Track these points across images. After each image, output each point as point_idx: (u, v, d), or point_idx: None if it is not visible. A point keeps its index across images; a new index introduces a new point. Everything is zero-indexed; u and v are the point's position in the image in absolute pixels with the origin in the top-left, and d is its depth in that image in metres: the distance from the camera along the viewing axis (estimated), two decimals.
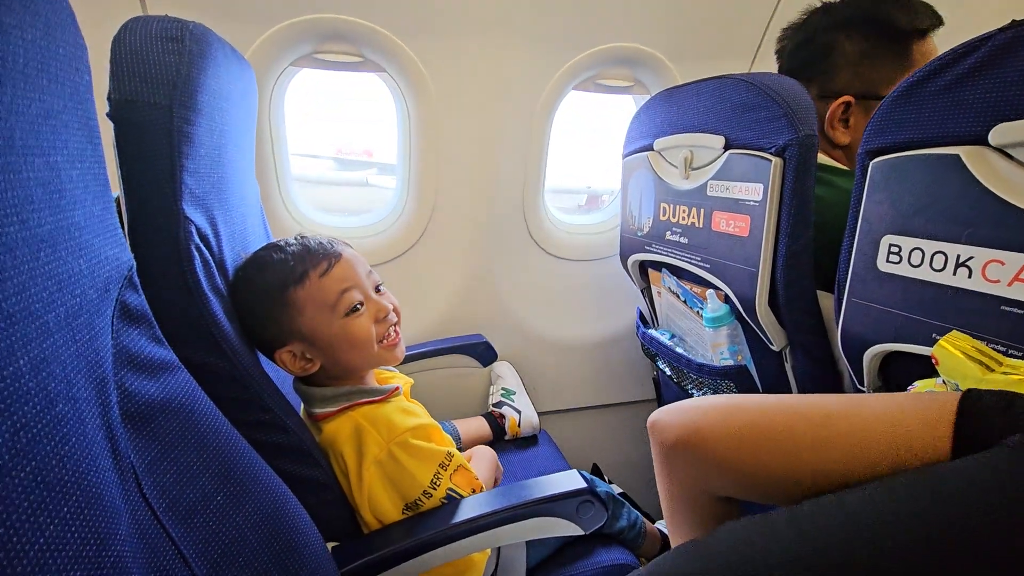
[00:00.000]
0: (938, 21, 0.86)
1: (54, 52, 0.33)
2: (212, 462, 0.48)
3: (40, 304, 0.31)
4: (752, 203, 0.82)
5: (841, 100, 0.87)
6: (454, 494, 0.74)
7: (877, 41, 0.86)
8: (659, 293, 1.18)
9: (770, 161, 0.77)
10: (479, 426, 1.19)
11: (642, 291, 1.25)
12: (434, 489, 0.72)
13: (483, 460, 0.92)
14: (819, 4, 0.93)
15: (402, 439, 0.71)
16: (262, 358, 0.72)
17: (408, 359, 1.22)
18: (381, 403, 0.75)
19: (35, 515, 0.27)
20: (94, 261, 0.38)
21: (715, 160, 0.90)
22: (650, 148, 1.07)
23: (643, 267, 1.20)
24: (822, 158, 0.88)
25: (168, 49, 0.54)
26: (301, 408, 0.79)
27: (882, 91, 0.85)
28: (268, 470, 0.54)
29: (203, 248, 0.60)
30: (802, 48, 0.93)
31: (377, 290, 0.77)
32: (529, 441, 1.20)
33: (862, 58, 0.87)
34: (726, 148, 0.87)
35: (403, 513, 0.72)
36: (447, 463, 0.74)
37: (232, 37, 0.96)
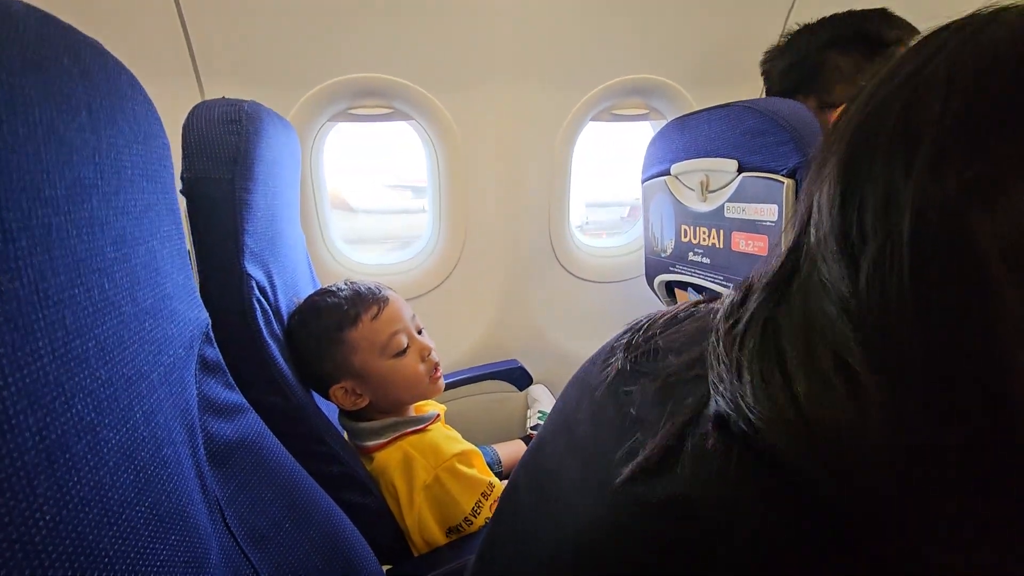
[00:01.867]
0: (916, 33, 0.88)
1: (150, 156, 0.41)
2: (280, 492, 0.54)
3: (148, 365, 0.37)
4: (768, 223, 0.84)
5: (843, 108, 0.90)
6: None
7: (867, 54, 0.90)
8: (667, 312, 1.20)
9: (782, 183, 0.80)
10: (517, 449, 1.23)
11: None
12: (475, 516, 0.76)
13: None
14: (798, 27, 0.97)
15: (449, 464, 0.77)
16: (316, 396, 0.79)
17: (446, 387, 1.28)
18: (424, 431, 0.80)
19: (153, 542, 0.33)
20: (181, 324, 0.45)
21: (730, 183, 0.93)
22: (667, 173, 1.11)
23: (669, 287, 1.23)
24: None
25: (229, 130, 0.62)
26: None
27: None
28: (327, 498, 0.60)
29: (262, 300, 0.67)
30: (794, 69, 0.96)
31: (419, 332, 0.83)
32: None
33: (856, 71, 0.91)
34: (739, 171, 0.90)
35: (447, 536, 0.76)
36: (488, 492, 0.79)
37: (276, 100, 1.07)
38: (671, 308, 0.40)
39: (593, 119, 1.30)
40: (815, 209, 0.27)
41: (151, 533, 0.33)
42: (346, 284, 0.81)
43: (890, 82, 0.26)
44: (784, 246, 0.30)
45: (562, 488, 0.34)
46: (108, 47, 0.36)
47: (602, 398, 0.36)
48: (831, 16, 0.94)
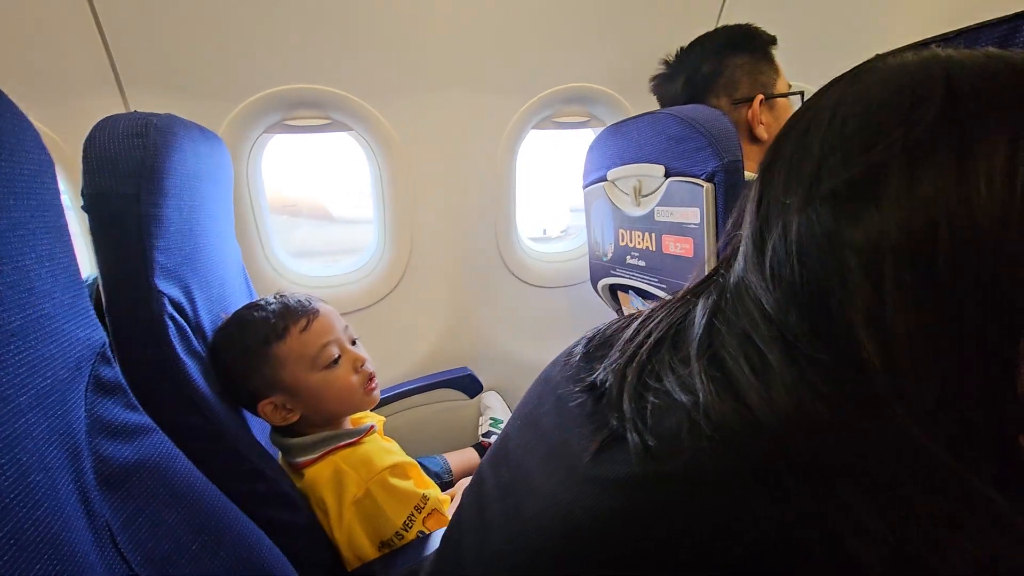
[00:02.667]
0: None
1: (19, 171, 0.40)
2: (187, 515, 0.52)
3: (12, 388, 0.36)
4: (693, 225, 0.87)
5: (757, 99, 0.96)
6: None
7: (754, 52, 0.99)
8: (628, 314, 1.22)
9: (702, 187, 0.83)
10: (469, 457, 1.22)
11: (616, 311, 1.30)
12: (406, 531, 0.75)
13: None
14: (675, 51, 1.06)
15: (380, 478, 0.76)
16: (245, 413, 0.77)
17: (396, 396, 1.27)
18: (358, 444, 0.79)
19: (9, 571, 0.32)
20: (65, 344, 0.44)
21: (659, 188, 0.95)
22: (604, 179, 1.13)
23: (612, 290, 1.25)
24: (749, 174, 0.94)
25: (134, 144, 0.61)
26: (280, 457, 0.84)
27: (776, 90, 0.99)
28: (243, 518, 0.59)
29: (177, 316, 0.65)
30: (694, 79, 1.02)
31: (353, 343, 0.82)
32: None
33: (752, 67, 0.98)
34: (666, 176, 0.93)
35: (379, 550, 0.75)
36: (422, 505, 0.78)
37: (207, 112, 1.05)
38: (621, 318, 0.45)
39: (535, 127, 1.32)
40: (746, 215, 0.34)
41: (7, 563, 0.32)
42: (275, 298, 0.80)
43: (796, 117, 0.33)
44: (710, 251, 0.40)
45: (529, 477, 0.36)
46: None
47: (564, 391, 0.39)
48: (708, 33, 1.04)
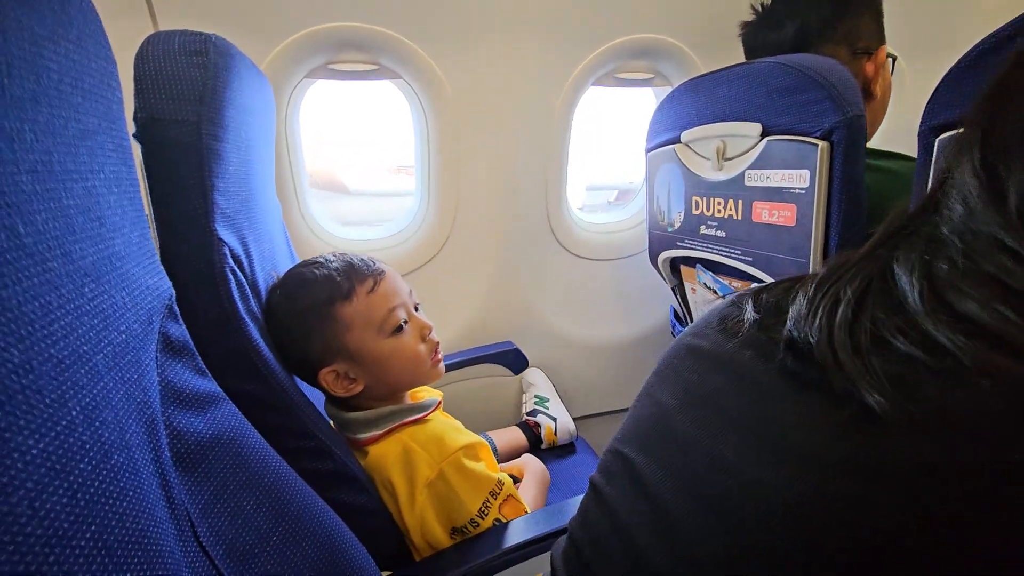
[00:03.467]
0: None
1: (87, 66, 0.31)
2: (265, 499, 0.45)
3: (88, 345, 0.28)
4: (798, 191, 0.78)
5: (882, 50, 0.86)
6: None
7: (874, 4, 0.88)
8: (693, 290, 1.14)
9: (816, 145, 0.73)
10: (514, 437, 1.15)
11: (673, 289, 1.21)
12: (482, 518, 0.68)
13: (533, 478, 0.89)
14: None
15: (454, 459, 0.68)
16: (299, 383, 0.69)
17: None
18: (424, 422, 0.72)
19: None
20: (135, 292, 0.35)
21: (752, 148, 0.86)
22: (677, 141, 1.03)
23: (674, 264, 1.16)
24: None
25: (193, 63, 0.51)
26: None
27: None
28: (320, 502, 0.51)
29: (237, 271, 0.57)
30: (808, 24, 0.89)
31: (416, 308, 0.74)
32: (567, 449, 1.16)
33: (873, 18, 0.88)
34: (763, 135, 0.83)
35: (452, 538, 0.68)
36: (497, 491, 0.71)
37: (246, 50, 0.94)
38: (783, 280, 0.39)
39: (596, 83, 1.21)
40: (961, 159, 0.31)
41: (97, 571, 0.24)
42: (336, 255, 0.71)
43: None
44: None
45: (729, 468, 0.32)
46: None
47: (750, 364, 0.34)
48: None
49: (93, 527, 0.24)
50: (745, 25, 0.97)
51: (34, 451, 0.22)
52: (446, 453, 0.68)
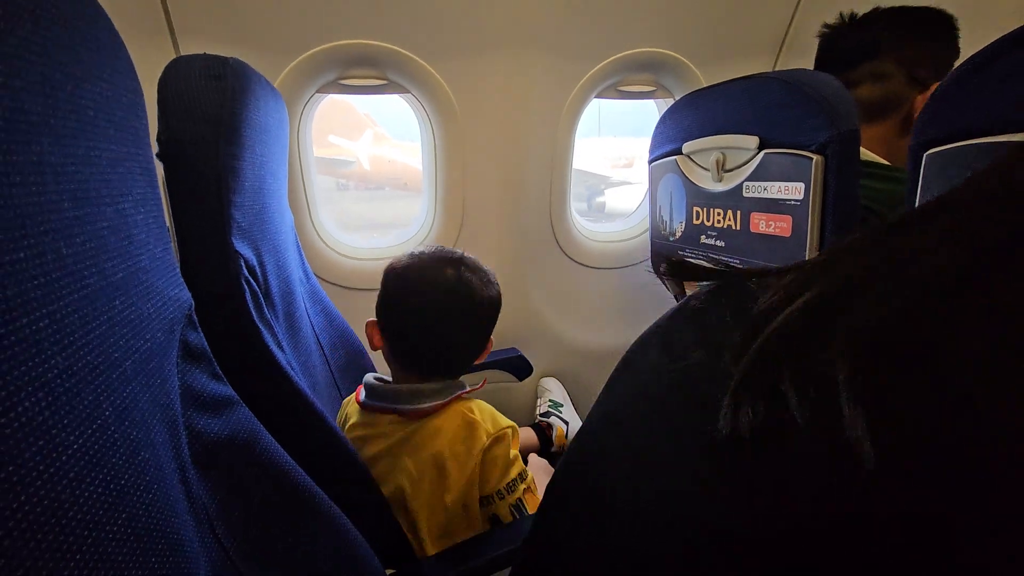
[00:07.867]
0: None
1: (118, 100, 0.34)
2: (276, 497, 0.47)
3: (119, 352, 0.31)
4: (793, 202, 0.80)
5: (934, 86, 0.88)
6: (520, 508, 0.75)
7: (946, 38, 0.89)
8: None
9: (811, 159, 0.75)
10: (526, 436, 1.18)
11: (676, 297, 1.23)
12: (508, 492, 0.74)
13: (540, 477, 0.93)
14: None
15: (504, 432, 0.75)
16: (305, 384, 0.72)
17: None
18: (471, 397, 0.80)
19: (128, 567, 0.27)
20: (159, 303, 0.38)
21: (749, 160, 0.88)
22: (678, 152, 1.06)
23: None
24: (865, 153, 0.86)
25: (212, 87, 0.55)
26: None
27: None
28: (328, 501, 0.54)
29: (251, 281, 0.60)
30: (866, 42, 0.91)
31: None
32: None
33: (940, 51, 0.88)
34: (761, 148, 0.85)
35: (481, 507, 0.75)
36: (525, 475, 0.77)
37: (260, 67, 0.98)
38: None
39: (599, 95, 1.24)
40: None
41: (126, 557, 0.27)
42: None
43: None
44: None
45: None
46: None
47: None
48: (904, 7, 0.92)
49: (124, 515, 0.27)
50: (829, 26, 0.98)
51: (75, 446, 0.25)
52: (499, 425, 0.76)
